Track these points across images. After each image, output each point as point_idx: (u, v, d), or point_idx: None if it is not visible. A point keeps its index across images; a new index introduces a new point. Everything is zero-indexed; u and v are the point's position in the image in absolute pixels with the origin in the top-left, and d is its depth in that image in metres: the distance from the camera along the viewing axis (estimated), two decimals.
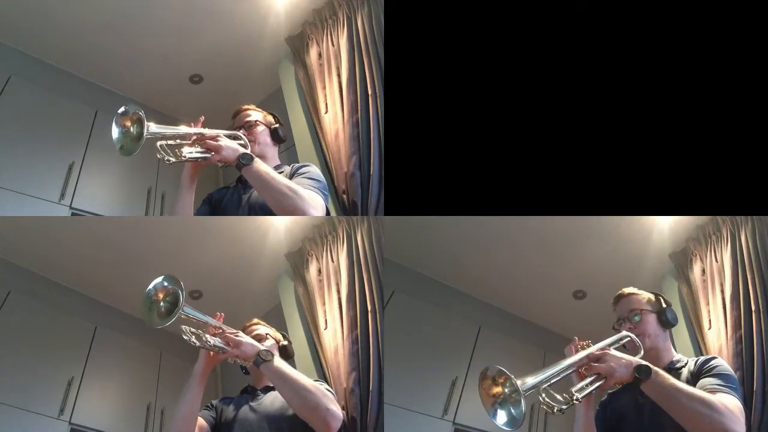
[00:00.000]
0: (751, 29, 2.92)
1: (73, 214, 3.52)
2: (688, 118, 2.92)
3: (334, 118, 3.11)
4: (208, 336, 2.29)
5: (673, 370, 2.17)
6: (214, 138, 2.38)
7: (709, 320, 3.01)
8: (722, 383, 2.06)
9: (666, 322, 2.22)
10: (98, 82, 3.71)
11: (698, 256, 3.13)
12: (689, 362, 2.19)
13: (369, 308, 2.97)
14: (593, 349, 2.08)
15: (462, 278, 3.60)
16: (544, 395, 1.98)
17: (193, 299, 3.55)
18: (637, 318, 2.21)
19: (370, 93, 3.04)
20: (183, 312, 2.23)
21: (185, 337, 2.26)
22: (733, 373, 2.13)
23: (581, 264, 3.39)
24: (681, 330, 3.15)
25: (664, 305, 2.25)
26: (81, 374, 3.43)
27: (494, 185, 2.93)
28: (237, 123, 2.58)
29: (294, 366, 3.15)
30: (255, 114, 2.60)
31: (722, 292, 2.99)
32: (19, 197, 3.41)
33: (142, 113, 2.30)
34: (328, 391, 2.36)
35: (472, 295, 3.65)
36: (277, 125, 2.61)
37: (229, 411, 2.40)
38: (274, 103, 3.55)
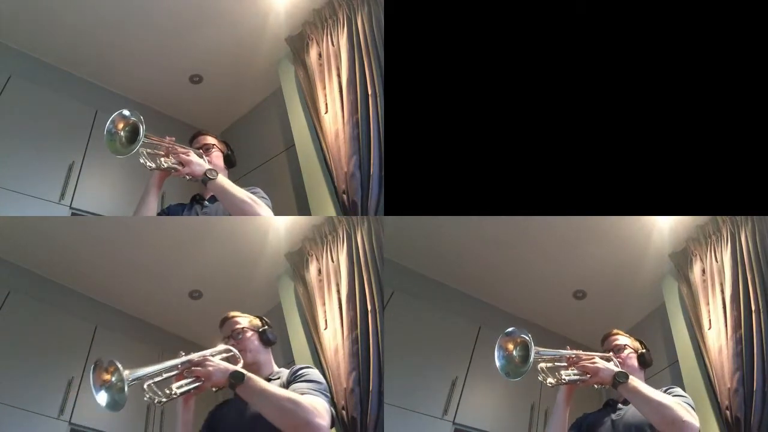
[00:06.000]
0: (751, 29, 2.92)
1: (73, 214, 3.51)
2: (687, 118, 2.93)
3: (334, 118, 3.11)
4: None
5: None
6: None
7: (709, 320, 3.01)
8: (685, 401, 2.48)
9: (644, 362, 2.63)
10: (98, 82, 3.70)
11: (698, 256, 3.13)
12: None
13: (369, 308, 2.97)
14: (580, 352, 2.51)
15: (462, 278, 3.60)
16: (543, 365, 2.48)
17: (193, 299, 3.55)
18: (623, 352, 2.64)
19: (370, 93, 3.03)
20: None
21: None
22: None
23: (581, 264, 3.39)
24: (681, 330, 3.15)
25: (643, 349, 2.65)
26: (81, 374, 3.43)
27: (494, 185, 2.93)
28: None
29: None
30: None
31: (722, 292, 2.99)
32: (19, 197, 3.41)
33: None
34: (316, 391, 2.28)
35: (472, 295, 3.65)
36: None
37: (220, 418, 2.36)
38: (274, 103, 3.55)
